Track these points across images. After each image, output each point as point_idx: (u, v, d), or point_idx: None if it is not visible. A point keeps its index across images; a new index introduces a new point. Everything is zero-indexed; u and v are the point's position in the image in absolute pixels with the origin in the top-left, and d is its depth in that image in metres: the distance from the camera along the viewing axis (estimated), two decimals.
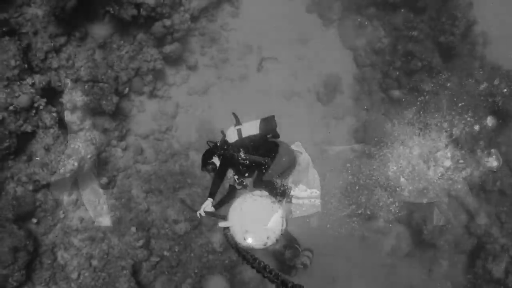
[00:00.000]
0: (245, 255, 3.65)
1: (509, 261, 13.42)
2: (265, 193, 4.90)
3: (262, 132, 5.69)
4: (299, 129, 13.26)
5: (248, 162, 5.43)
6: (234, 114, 5.86)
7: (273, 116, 5.81)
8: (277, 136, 5.83)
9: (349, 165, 13.84)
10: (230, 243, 4.29)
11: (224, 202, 5.66)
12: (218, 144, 5.65)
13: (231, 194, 5.80)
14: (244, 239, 4.33)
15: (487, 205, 14.19)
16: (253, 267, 3.20)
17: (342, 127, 14.86)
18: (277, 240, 4.41)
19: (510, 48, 14.53)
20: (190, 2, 12.96)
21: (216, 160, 5.49)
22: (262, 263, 3.12)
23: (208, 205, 5.38)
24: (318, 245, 12.76)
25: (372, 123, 14.49)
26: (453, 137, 10.71)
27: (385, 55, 15.02)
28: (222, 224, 4.65)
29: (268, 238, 4.35)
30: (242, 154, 5.40)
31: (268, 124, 5.73)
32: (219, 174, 5.57)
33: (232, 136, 5.70)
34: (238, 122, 5.80)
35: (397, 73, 14.68)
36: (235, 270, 12.55)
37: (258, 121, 5.75)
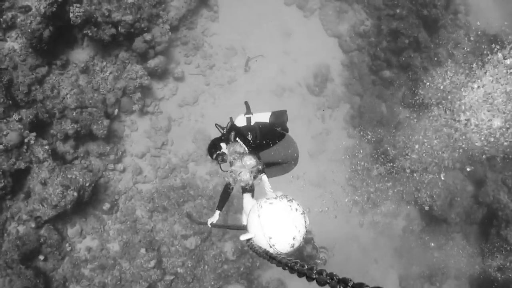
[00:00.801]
0: (282, 259, 3.33)
1: None
2: (279, 193, 4.68)
3: (272, 124, 5.59)
4: (295, 124, 13.04)
5: (254, 145, 5.29)
6: (246, 103, 5.74)
7: (285, 111, 5.70)
8: (286, 130, 5.67)
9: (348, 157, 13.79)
10: (259, 253, 3.97)
11: (223, 201, 5.65)
12: (226, 129, 5.49)
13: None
14: (270, 246, 4.08)
15: (492, 172, 14.08)
16: (295, 271, 2.61)
17: (338, 115, 14.66)
18: (303, 239, 4.17)
19: (492, 12, 14.46)
20: (167, 12, 12.69)
21: (225, 148, 5.32)
22: (306, 265, 2.53)
23: (215, 218, 5.70)
24: (331, 238, 12.70)
25: (367, 107, 14.36)
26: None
27: (371, 37, 14.84)
28: (243, 237, 4.42)
29: (294, 239, 4.05)
30: (249, 137, 5.26)
31: (279, 117, 5.61)
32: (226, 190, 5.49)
33: (240, 123, 5.57)
34: (249, 111, 5.67)
35: (385, 53, 14.51)
36: (251, 276, 12.39)
37: (269, 113, 5.64)
